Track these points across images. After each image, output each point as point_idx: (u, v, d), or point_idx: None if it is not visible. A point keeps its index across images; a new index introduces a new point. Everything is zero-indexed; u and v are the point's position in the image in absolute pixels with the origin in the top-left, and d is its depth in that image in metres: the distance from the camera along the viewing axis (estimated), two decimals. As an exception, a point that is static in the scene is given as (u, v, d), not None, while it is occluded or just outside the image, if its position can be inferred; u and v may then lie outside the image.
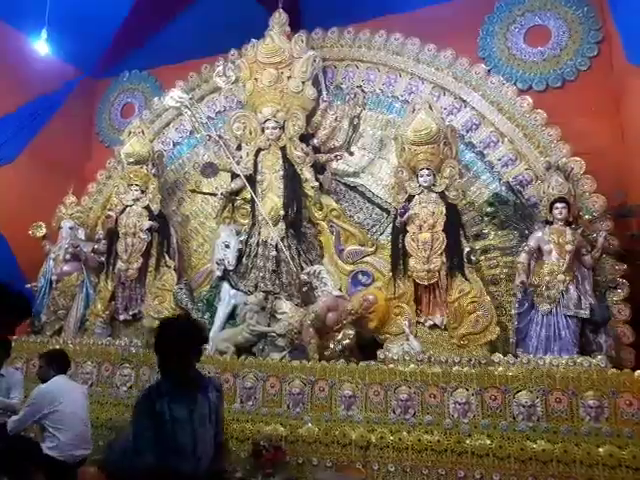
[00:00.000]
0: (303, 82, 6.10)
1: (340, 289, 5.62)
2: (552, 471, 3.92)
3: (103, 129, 8.31)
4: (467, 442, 4.16)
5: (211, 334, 5.56)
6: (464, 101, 5.80)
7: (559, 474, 3.90)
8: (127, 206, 6.37)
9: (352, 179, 6.19)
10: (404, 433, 4.33)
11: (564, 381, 4.18)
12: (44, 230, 6.78)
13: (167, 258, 6.25)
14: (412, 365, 4.58)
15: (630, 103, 5.46)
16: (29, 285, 6.69)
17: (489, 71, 5.94)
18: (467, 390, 4.34)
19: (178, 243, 6.51)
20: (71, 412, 3.91)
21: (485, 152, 5.67)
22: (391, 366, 4.62)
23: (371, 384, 4.57)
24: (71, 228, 6.74)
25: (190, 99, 6.56)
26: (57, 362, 4.18)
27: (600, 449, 3.90)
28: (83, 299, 6.46)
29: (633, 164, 5.30)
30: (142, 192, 6.39)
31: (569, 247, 4.68)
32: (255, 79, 6.21)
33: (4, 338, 4.53)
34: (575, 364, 4.29)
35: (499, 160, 5.59)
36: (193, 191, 6.78)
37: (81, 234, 6.87)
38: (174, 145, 7.14)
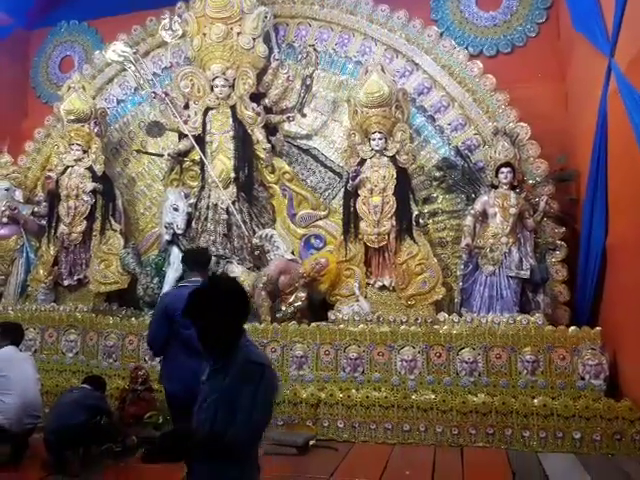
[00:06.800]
0: (254, 39, 5.90)
1: (292, 253, 5.62)
2: (491, 421, 4.16)
3: (40, 84, 7.79)
4: (413, 397, 4.34)
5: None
6: (416, 64, 5.78)
7: (497, 424, 4.15)
8: (68, 167, 6.06)
9: (305, 142, 6.12)
10: (353, 391, 4.46)
11: (504, 338, 4.40)
12: (-23, 192, 6.38)
13: (112, 221, 6.03)
14: (361, 325, 4.69)
15: (574, 70, 5.60)
16: (-38, 250, 6.33)
17: (441, 34, 5.92)
18: (414, 348, 4.50)
19: (124, 206, 6.29)
20: (20, 380, 3.80)
21: (436, 116, 5.72)
22: (341, 326, 4.72)
23: (322, 344, 4.66)
24: (7, 189, 6.36)
25: (134, 54, 6.24)
26: (12, 334, 4.07)
27: (535, 400, 4.16)
28: (23, 264, 6.20)
29: (575, 130, 5.48)
30: (84, 152, 6.08)
31: (513, 210, 4.86)
32: (203, 34, 5.95)
33: None
34: (515, 322, 4.51)
35: (449, 125, 5.65)
36: (139, 151, 6.51)
37: (18, 196, 6.51)
38: (118, 102, 6.80)
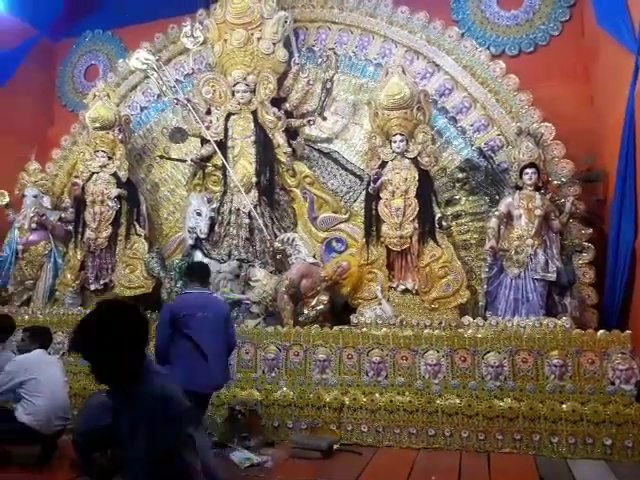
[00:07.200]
0: (274, 44, 5.93)
1: (314, 256, 5.63)
2: (518, 427, 4.09)
3: (66, 93, 7.96)
4: (437, 402, 4.29)
5: (184, 302, 5.53)
6: (437, 65, 5.74)
7: (524, 430, 4.08)
8: (94, 173, 6.17)
9: (325, 145, 6.13)
10: (377, 395, 4.43)
11: (530, 342, 4.32)
12: (7, 199, 6.53)
13: (137, 226, 6.11)
14: (384, 329, 4.66)
15: (600, 68, 5.49)
16: (-6, 255, 6.50)
17: (462, 35, 5.87)
18: (438, 352, 4.45)
19: (148, 211, 6.37)
20: (49, 383, 3.88)
21: (458, 117, 5.66)
22: (364, 330, 4.69)
23: (345, 348, 4.64)
24: (35, 196, 6.51)
25: (157, 61, 6.35)
26: (40, 338, 4.15)
27: (563, 405, 4.08)
28: (51, 269, 6.32)
29: (601, 129, 5.37)
30: (109, 158, 6.19)
31: (538, 212, 4.78)
32: (224, 40, 6.01)
33: (4, 317, 4.41)
34: (541, 325, 4.43)
35: (471, 126, 5.60)
36: (162, 157, 6.60)
37: (46, 202, 6.65)
38: (141, 109, 6.90)
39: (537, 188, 4.93)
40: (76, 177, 6.41)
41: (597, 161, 5.33)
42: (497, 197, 5.18)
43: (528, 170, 4.89)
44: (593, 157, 5.32)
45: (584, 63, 5.78)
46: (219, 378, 3.82)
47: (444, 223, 5.22)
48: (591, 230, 5.03)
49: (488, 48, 5.89)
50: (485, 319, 4.66)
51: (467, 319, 4.68)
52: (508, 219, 4.94)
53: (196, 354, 3.64)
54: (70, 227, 6.36)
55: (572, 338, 4.26)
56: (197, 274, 4.02)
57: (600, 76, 5.51)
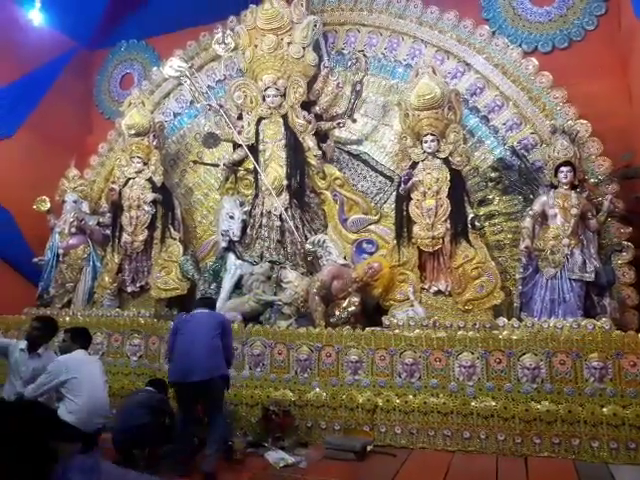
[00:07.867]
0: (304, 48, 5.99)
1: (345, 258, 5.64)
2: (556, 430, 4.00)
3: (102, 101, 8.22)
4: (472, 404, 4.24)
5: (218, 304, 5.60)
6: (468, 64, 5.70)
7: (563, 433, 3.98)
8: (130, 179, 6.35)
9: (355, 147, 6.15)
10: (410, 396, 4.40)
11: (568, 343, 4.22)
12: (48, 204, 6.78)
13: (172, 230, 6.26)
14: (417, 330, 4.62)
15: (637, 62, 5.34)
16: (36, 259, 6.75)
17: (494, 33, 5.81)
18: (472, 354, 4.38)
19: (182, 215, 6.52)
20: (89, 382, 3.99)
21: (489, 116, 5.61)
22: (396, 331, 4.67)
23: (377, 349, 4.63)
24: (75, 202, 6.74)
25: (189, 68, 6.48)
26: (81, 338, 4.27)
27: (604, 409, 3.97)
28: (90, 272, 6.52)
29: (640, 125, 5.22)
30: (144, 164, 6.36)
31: (574, 211, 4.67)
32: (255, 46, 6.10)
33: (49, 318, 4.61)
34: (579, 326, 4.31)
35: (504, 124, 5.53)
36: (195, 162, 6.75)
37: (85, 207, 6.88)
38: (175, 116, 7.08)
39: (573, 186, 4.82)
40: (113, 183, 6.61)
41: (636, 158, 5.18)
42: (531, 196, 5.10)
43: (563, 168, 4.79)
44: (632, 154, 5.18)
45: (621, 58, 5.62)
46: (194, 372, 3.76)
47: (477, 223, 5.15)
48: (630, 229, 4.89)
49: (520, 45, 5.80)
50: (520, 320, 4.58)
51: (502, 320, 4.61)
52: (543, 218, 4.85)
53: (183, 350, 3.88)
54: (108, 231, 6.57)
55: (612, 340, 4.14)
56: (203, 299, 4.51)
57: (638, 70, 5.35)
